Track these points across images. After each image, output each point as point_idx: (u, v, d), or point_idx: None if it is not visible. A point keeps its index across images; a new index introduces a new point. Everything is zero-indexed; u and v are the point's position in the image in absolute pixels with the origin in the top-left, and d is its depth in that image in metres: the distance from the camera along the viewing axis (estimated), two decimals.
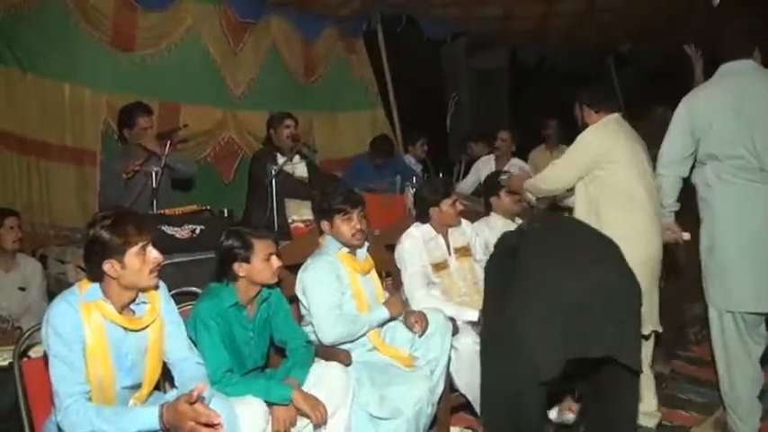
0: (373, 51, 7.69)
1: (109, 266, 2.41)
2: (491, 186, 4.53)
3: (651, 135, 3.95)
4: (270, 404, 2.86)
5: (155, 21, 5.77)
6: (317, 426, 2.96)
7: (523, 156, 6.75)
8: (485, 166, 6.42)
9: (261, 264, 2.97)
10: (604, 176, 3.67)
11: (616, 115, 3.81)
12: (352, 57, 7.50)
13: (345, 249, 3.51)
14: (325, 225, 3.50)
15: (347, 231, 3.46)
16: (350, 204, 3.47)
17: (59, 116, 5.29)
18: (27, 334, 2.76)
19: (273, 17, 6.60)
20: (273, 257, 2.99)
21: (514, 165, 6.03)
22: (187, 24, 5.96)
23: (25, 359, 2.77)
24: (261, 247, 2.97)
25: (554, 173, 3.90)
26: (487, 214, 4.52)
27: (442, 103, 8.40)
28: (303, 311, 3.44)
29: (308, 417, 2.91)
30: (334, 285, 3.37)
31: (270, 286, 3.10)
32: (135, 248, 2.42)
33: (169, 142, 4.45)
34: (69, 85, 5.32)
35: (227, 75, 6.28)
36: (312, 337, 3.34)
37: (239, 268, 2.97)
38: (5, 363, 3.01)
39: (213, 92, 6.23)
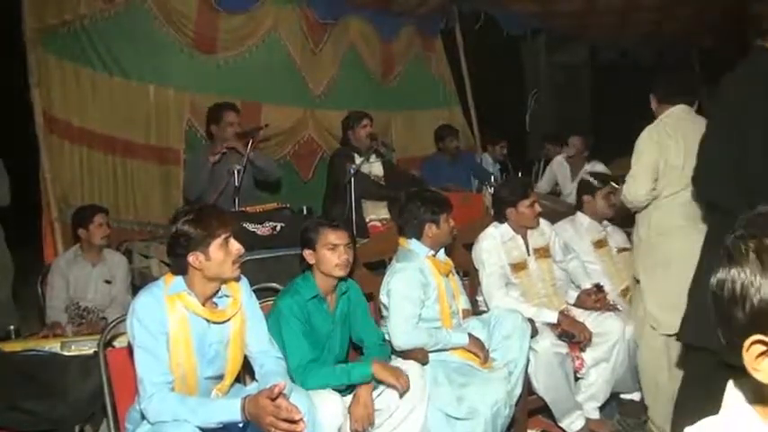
0: (451, 49, 7.64)
1: (194, 258, 2.46)
2: (588, 186, 4.38)
3: None
4: (348, 388, 2.89)
5: (236, 23, 5.87)
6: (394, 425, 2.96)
7: (606, 156, 6.53)
8: (559, 169, 6.28)
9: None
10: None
11: (680, 107, 3.59)
12: (430, 55, 7.47)
13: (432, 252, 3.50)
14: (431, 228, 3.46)
15: (448, 231, 3.50)
16: (449, 206, 3.52)
17: (144, 116, 5.43)
18: (112, 324, 2.83)
19: (352, 17, 6.65)
20: None
21: (590, 168, 5.79)
22: (268, 26, 6.05)
23: (109, 348, 2.84)
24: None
25: (627, 187, 3.65)
26: (574, 213, 4.40)
27: (522, 101, 8.29)
28: (384, 313, 3.43)
29: (393, 387, 2.91)
30: (417, 296, 3.34)
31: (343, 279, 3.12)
32: (219, 240, 2.48)
33: (251, 141, 4.53)
34: (154, 86, 5.46)
35: (306, 75, 6.35)
36: (388, 338, 3.33)
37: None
38: (90, 351, 3.10)
39: (293, 92, 6.31)
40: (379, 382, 2.94)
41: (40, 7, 4.81)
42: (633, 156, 3.56)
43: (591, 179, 4.39)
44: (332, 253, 2.98)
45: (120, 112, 5.29)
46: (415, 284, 3.34)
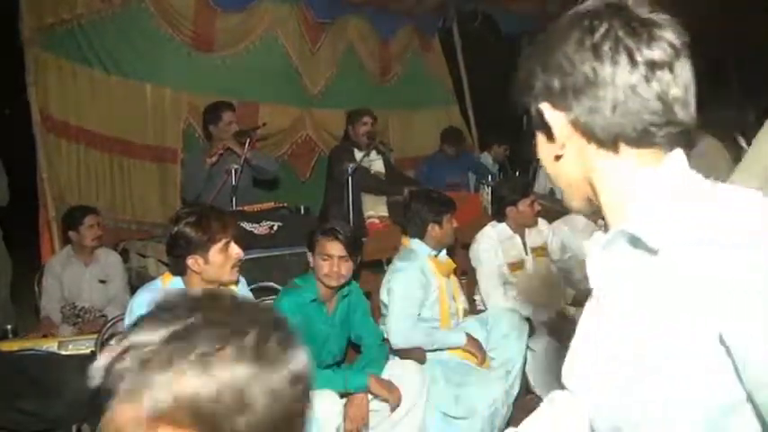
0: (449, 48, 7.64)
1: (192, 261, 2.44)
2: None
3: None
4: (345, 395, 2.89)
5: (233, 22, 5.85)
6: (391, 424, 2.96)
7: None
8: None
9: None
10: None
11: None
12: (428, 55, 7.46)
13: (434, 252, 3.50)
14: (434, 229, 3.46)
15: (451, 231, 3.50)
16: (453, 206, 3.53)
17: (142, 116, 5.41)
18: (110, 323, 2.83)
19: (350, 17, 6.63)
20: None
21: None
22: (265, 25, 6.03)
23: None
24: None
25: None
26: (569, 212, 4.39)
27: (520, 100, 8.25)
28: (384, 311, 3.43)
29: (385, 401, 2.94)
30: (417, 295, 3.35)
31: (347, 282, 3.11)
32: (219, 245, 2.45)
33: (248, 140, 4.51)
34: (151, 85, 5.44)
35: (304, 74, 6.34)
36: (387, 336, 3.33)
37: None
38: (87, 350, 3.09)
39: (291, 91, 6.29)
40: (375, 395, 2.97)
41: (38, 6, 4.79)
42: None
43: None
44: (324, 263, 2.97)
45: (118, 111, 5.27)
46: (415, 284, 3.34)
